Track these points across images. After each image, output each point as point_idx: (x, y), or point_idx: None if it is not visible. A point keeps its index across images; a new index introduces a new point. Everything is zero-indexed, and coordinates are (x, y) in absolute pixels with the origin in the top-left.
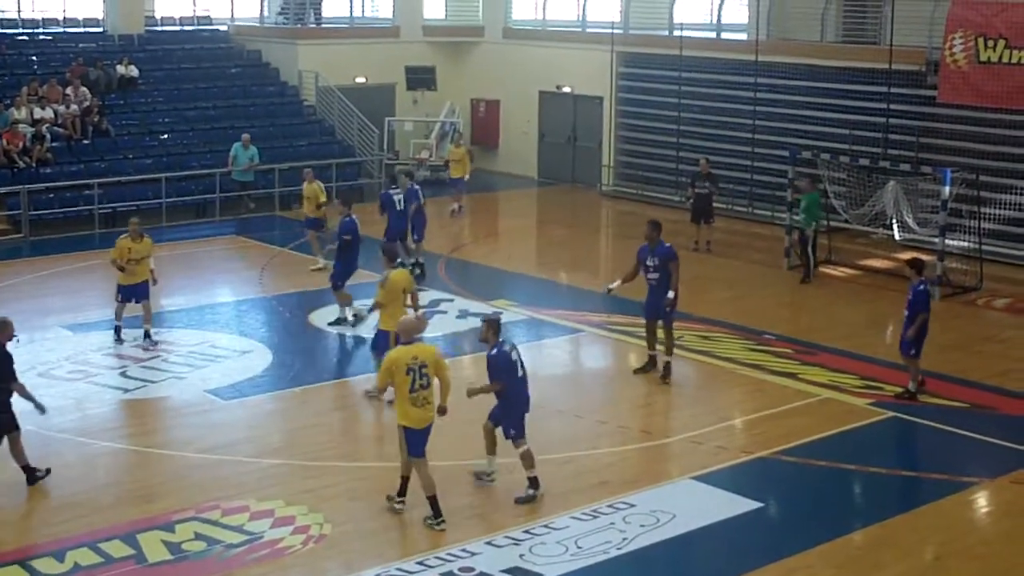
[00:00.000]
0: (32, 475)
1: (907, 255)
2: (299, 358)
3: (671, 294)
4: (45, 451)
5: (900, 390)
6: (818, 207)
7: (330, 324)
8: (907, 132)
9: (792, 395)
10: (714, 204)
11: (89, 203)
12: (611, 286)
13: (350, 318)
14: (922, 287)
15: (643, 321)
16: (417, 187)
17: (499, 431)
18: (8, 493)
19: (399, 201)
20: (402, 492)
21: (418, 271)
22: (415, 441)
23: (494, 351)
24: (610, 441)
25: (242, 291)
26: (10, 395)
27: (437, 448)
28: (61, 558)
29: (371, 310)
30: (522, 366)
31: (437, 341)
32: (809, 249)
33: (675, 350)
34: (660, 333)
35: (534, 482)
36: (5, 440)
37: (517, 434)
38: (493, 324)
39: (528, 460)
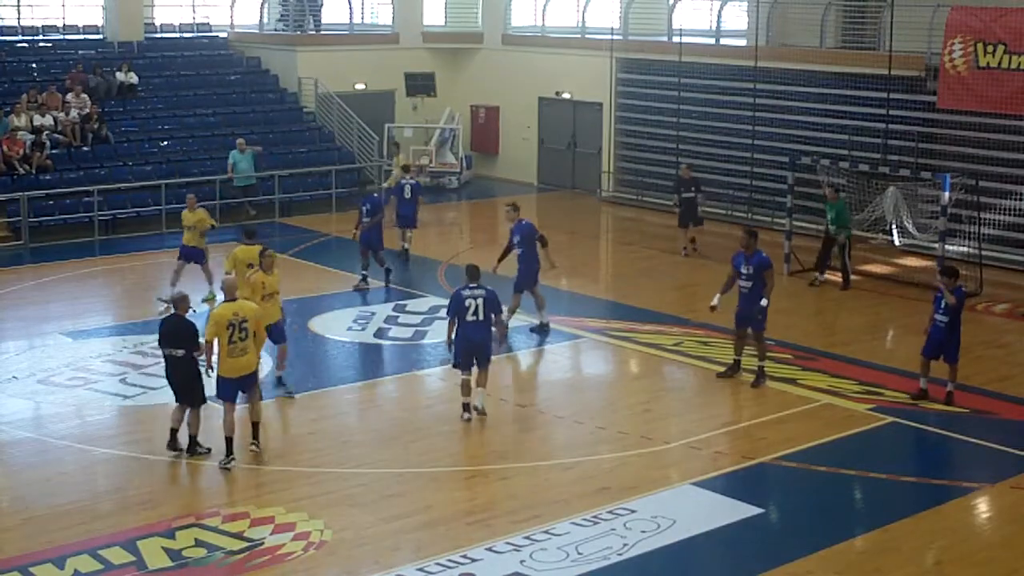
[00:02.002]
0: (194, 448)
1: (906, 260)
2: (299, 364)
3: (764, 302)
4: (45, 458)
5: (907, 395)
6: (848, 213)
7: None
8: (906, 137)
9: (792, 400)
10: (700, 207)
11: (89, 210)
12: (713, 303)
13: (542, 319)
14: (965, 289)
15: (645, 327)
16: (376, 195)
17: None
18: (9, 499)
19: (408, 189)
20: (229, 451)
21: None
22: (226, 388)
23: (454, 290)
24: (610, 447)
25: None
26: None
27: (436, 454)
28: (61, 565)
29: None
30: (476, 312)
31: (437, 347)
32: (845, 256)
33: (675, 356)
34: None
35: (465, 407)
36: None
37: (460, 365)
38: (469, 268)
39: (464, 388)
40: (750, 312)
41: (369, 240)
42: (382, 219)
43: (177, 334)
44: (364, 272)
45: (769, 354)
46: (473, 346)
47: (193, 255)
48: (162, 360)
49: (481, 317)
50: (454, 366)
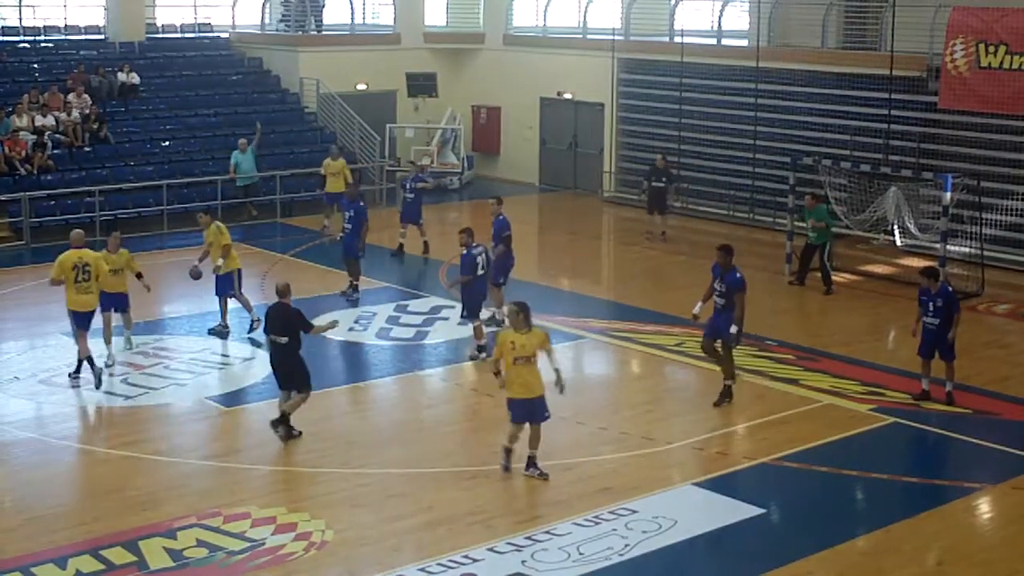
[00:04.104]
0: (289, 432)
1: (908, 260)
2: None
3: (733, 329)
4: (47, 458)
5: (908, 396)
6: (829, 219)
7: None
8: (908, 138)
9: (794, 401)
10: (669, 197)
11: (90, 210)
12: (695, 311)
13: (498, 317)
14: (951, 288)
15: (647, 327)
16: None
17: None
18: (10, 500)
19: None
20: (78, 368)
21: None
22: (81, 320)
23: (465, 252)
24: (612, 447)
25: None
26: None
27: (438, 455)
28: (63, 565)
29: (223, 256)
30: (483, 267)
31: (439, 348)
32: (824, 260)
33: (677, 356)
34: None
35: (481, 348)
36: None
37: (470, 314)
38: (468, 231)
39: (478, 331)
40: (718, 326)
41: (351, 248)
42: (365, 228)
43: (285, 321)
44: (355, 282)
45: (771, 354)
46: (483, 296)
47: (118, 303)
48: (163, 361)
49: (486, 268)
50: (464, 317)
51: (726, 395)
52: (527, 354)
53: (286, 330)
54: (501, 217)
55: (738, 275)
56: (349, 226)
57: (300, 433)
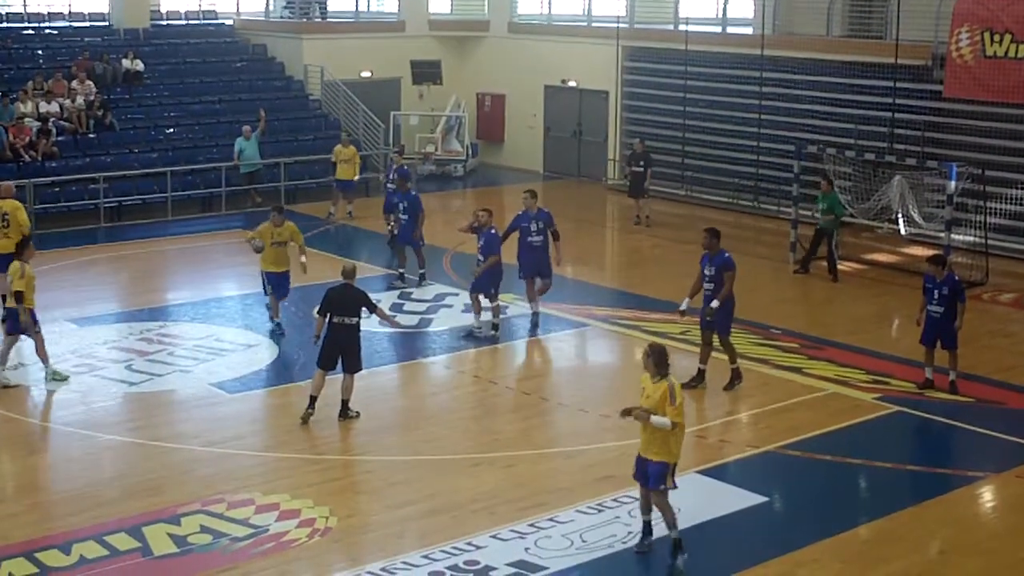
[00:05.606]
0: (346, 412)
1: (913, 249)
2: (304, 352)
3: (715, 303)
4: (51, 444)
5: (913, 384)
6: (840, 207)
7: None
8: (913, 126)
9: (798, 389)
10: (647, 181)
11: (94, 197)
12: (681, 308)
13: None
14: (957, 277)
15: (652, 315)
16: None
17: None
18: (15, 486)
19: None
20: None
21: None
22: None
23: (492, 231)
24: (615, 435)
25: (247, 285)
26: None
27: (441, 442)
28: (67, 551)
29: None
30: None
31: (443, 335)
32: (832, 247)
33: (681, 344)
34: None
35: (495, 319)
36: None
37: (497, 293)
38: (488, 211)
39: (495, 312)
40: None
41: (408, 238)
42: (421, 217)
43: (355, 302)
44: (401, 270)
45: (776, 343)
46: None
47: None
48: (167, 347)
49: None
50: (489, 296)
51: (736, 378)
52: (649, 406)
53: (356, 310)
54: (545, 211)
55: (727, 255)
56: (405, 217)
57: (358, 413)
